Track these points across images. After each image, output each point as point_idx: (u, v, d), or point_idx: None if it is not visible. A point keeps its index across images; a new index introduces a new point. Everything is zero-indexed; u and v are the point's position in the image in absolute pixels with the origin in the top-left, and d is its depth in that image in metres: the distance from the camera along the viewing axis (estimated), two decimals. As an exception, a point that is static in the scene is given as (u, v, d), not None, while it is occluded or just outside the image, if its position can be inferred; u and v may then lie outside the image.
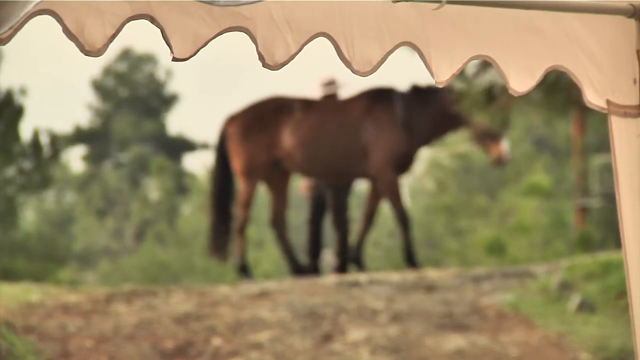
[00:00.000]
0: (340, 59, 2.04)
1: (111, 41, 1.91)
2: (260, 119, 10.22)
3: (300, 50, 2.02)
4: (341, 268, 10.82)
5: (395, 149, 10.17)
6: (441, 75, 2.15)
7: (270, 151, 10.18)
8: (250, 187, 10.31)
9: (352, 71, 2.05)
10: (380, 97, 10.31)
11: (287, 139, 10.12)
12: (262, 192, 11.12)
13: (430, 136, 10.59)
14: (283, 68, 2.04)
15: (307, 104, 10.31)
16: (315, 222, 11.03)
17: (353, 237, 10.83)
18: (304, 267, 10.60)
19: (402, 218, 10.27)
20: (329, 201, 10.85)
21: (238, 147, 10.24)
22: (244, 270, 10.42)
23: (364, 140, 10.15)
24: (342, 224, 10.88)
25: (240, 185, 10.31)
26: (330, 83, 10.80)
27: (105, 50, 1.90)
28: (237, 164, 10.26)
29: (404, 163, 10.37)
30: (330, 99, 10.73)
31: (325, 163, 10.29)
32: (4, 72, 18.26)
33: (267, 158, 10.20)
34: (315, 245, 11.07)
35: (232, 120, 10.35)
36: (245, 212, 10.30)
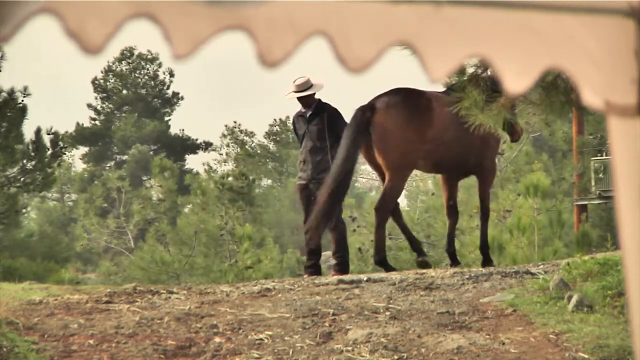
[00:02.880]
0: (336, 57, 2.06)
1: (110, 40, 1.93)
2: (417, 113, 10.07)
3: (297, 49, 2.04)
4: (341, 268, 10.84)
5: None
6: (436, 73, 2.17)
7: (422, 146, 10.13)
8: (402, 180, 10.29)
9: (346, 69, 2.07)
10: None
11: (432, 134, 10.11)
12: (274, 192, 11.05)
13: None
14: (280, 69, 2.06)
15: (437, 99, 10.23)
16: None
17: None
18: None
19: (488, 212, 11.03)
20: None
21: (394, 140, 10.03)
22: (384, 264, 10.38)
23: (484, 135, 10.26)
24: (337, 225, 10.87)
25: (390, 178, 10.10)
26: (305, 85, 10.82)
27: (104, 49, 1.92)
28: (390, 156, 10.06)
29: None
30: (441, 94, 10.51)
31: (454, 159, 10.44)
32: (6, 72, 18.29)
33: (419, 153, 10.16)
34: (314, 245, 11.08)
35: (384, 110, 10.06)
36: (392, 206, 10.28)
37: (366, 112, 10.05)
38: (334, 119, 10.78)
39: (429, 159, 10.34)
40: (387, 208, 10.21)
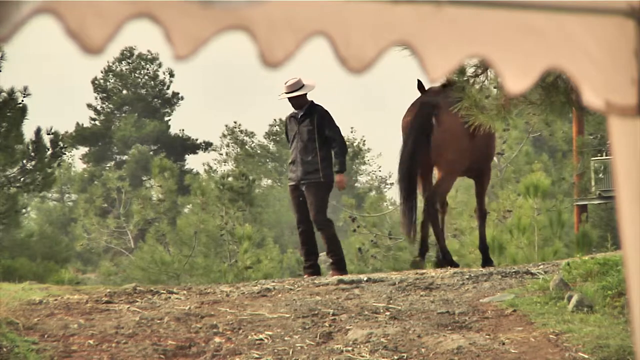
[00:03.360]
0: (336, 57, 2.06)
1: (111, 41, 1.93)
2: None
3: (298, 49, 2.04)
4: (338, 266, 10.84)
5: None
6: (435, 73, 2.17)
7: (468, 153, 10.45)
8: (453, 181, 10.76)
9: (347, 69, 2.07)
10: None
11: (474, 143, 10.42)
12: (274, 192, 11.06)
13: None
14: (281, 69, 2.06)
15: None
16: (304, 223, 11.00)
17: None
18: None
19: (486, 213, 11.34)
20: (309, 203, 10.82)
21: (459, 142, 10.33)
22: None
23: (492, 139, 10.79)
24: (324, 224, 10.83)
25: (443, 177, 10.48)
26: (296, 85, 10.81)
27: (105, 50, 1.92)
28: (449, 156, 10.35)
29: None
30: None
31: (475, 164, 10.70)
32: (6, 72, 18.29)
33: (468, 158, 10.47)
34: (310, 246, 11.06)
35: (449, 111, 10.11)
36: (439, 204, 10.59)
37: (433, 109, 10.34)
38: (324, 121, 10.81)
39: (466, 166, 10.69)
40: (436, 204, 10.51)
